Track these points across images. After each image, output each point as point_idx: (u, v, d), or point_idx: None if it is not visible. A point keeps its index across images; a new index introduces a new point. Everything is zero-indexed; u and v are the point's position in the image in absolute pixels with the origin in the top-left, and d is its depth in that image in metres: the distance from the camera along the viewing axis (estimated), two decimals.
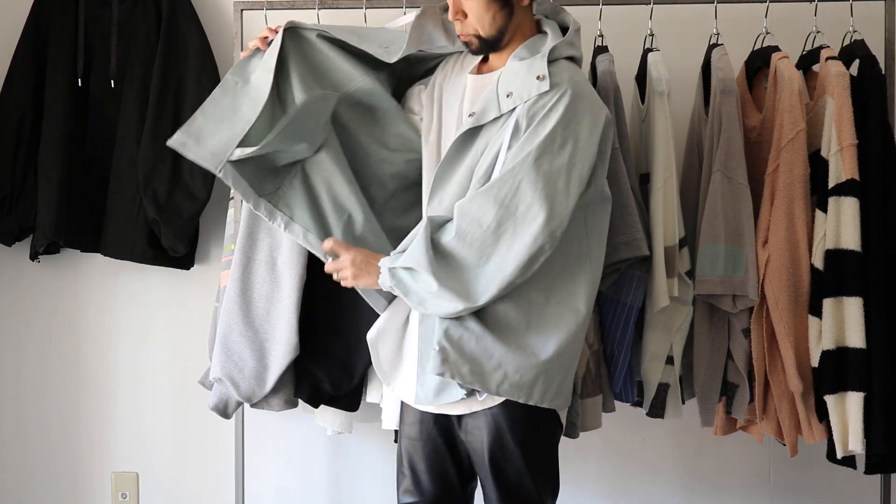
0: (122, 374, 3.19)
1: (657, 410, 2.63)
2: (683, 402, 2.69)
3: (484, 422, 2.19)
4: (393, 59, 2.36)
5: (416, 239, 2.12)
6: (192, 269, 3.05)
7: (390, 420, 2.61)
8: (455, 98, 2.29)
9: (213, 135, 2.30)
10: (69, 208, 2.96)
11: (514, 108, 2.13)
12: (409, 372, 2.27)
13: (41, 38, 3.01)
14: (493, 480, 2.21)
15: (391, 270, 2.14)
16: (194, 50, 2.96)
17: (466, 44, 2.23)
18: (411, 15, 2.41)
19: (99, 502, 3.21)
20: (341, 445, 3.13)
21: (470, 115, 2.18)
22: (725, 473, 3.08)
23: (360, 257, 2.20)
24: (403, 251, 2.16)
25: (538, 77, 2.13)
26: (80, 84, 2.99)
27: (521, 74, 2.15)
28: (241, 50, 2.86)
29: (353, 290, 2.46)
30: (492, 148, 2.15)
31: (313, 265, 2.68)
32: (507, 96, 2.14)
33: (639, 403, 2.67)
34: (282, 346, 2.63)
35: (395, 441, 2.72)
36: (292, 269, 2.63)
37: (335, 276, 2.24)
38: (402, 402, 2.35)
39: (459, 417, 2.23)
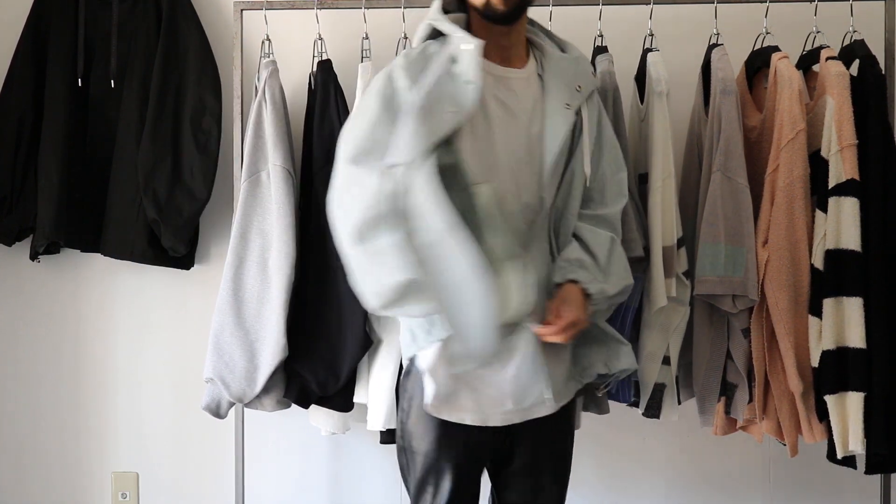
0: (122, 374, 3.19)
1: (653, 411, 2.63)
2: (679, 403, 2.69)
3: (550, 419, 2.21)
4: (475, 97, 2.07)
5: (618, 258, 2.21)
6: (192, 269, 3.05)
7: (376, 421, 2.61)
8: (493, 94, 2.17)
9: None
10: (69, 208, 2.96)
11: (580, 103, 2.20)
12: (513, 385, 2.16)
13: (41, 38, 3.01)
14: (552, 473, 2.24)
15: (611, 298, 2.19)
16: (194, 50, 2.96)
17: (494, 8, 2.09)
18: (421, 27, 2.21)
19: (99, 502, 3.21)
20: (341, 445, 3.13)
21: (567, 105, 2.17)
22: (725, 473, 3.08)
23: (572, 308, 2.09)
24: (600, 278, 2.14)
25: (592, 73, 2.27)
26: (80, 84, 2.98)
27: (580, 68, 2.22)
28: (241, 50, 2.87)
29: (338, 291, 2.53)
30: (584, 139, 2.19)
31: (302, 266, 2.70)
32: (579, 90, 2.19)
33: (635, 404, 2.67)
34: (271, 346, 2.64)
35: (382, 442, 2.73)
36: (281, 270, 2.64)
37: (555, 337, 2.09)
38: (439, 425, 2.17)
39: (528, 421, 2.20)
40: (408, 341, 2.21)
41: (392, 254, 1.96)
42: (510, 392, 2.14)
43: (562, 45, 2.26)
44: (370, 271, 2.01)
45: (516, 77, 2.17)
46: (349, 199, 2.03)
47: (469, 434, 2.17)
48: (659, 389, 2.61)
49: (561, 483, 2.28)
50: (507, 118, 2.13)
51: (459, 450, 2.18)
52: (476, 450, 2.21)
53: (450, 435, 2.17)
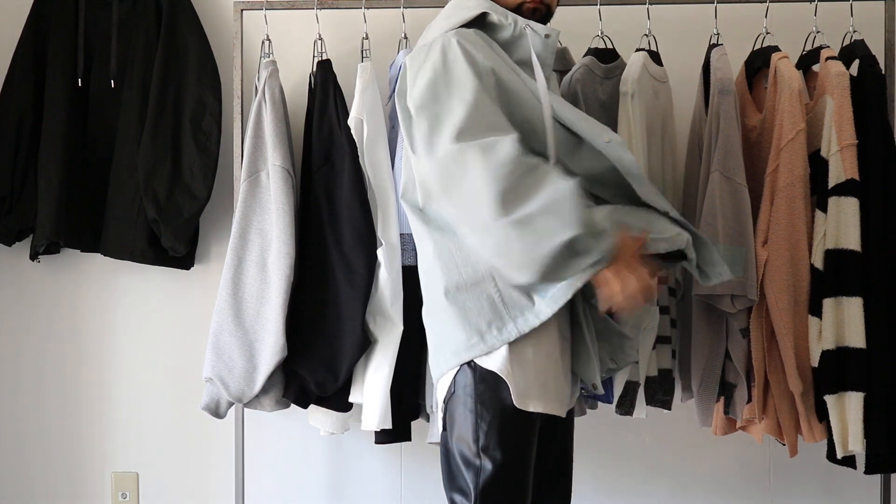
0: (122, 374, 3.19)
1: (627, 408, 2.62)
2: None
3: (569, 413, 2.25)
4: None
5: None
6: (192, 269, 3.05)
7: (371, 421, 2.60)
8: None
9: None
10: (69, 208, 2.96)
11: None
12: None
13: (41, 38, 3.01)
14: (569, 470, 2.27)
15: None
16: (194, 50, 2.96)
17: (536, 10, 2.18)
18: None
19: (99, 502, 3.21)
20: (341, 445, 3.13)
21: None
22: (725, 473, 3.08)
23: None
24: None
25: None
26: (80, 84, 2.98)
27: None
28: (241, 50, 2.87)
29: (337, 291, 2.56)
30: None
31: (301, 266, 2.69)
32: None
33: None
34: (270, 346, 2.64)
35: (377, 442, 2.72)
36: (280, 270, 2.64)
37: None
38: (522, 423, 2.08)
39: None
40: (462, 343, 2.06)
41: (545, 216, 1.88)
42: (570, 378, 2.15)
43: None
44: (525, 242, 1.89)
45: None
46: (478, 174, 1.92)
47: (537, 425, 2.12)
48: (631, 388, 2.61)
49: (569, 481, 2.28)
50: None
51: (533, 444, 2.12)
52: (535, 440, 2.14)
53: (531, 431, 2.10)
